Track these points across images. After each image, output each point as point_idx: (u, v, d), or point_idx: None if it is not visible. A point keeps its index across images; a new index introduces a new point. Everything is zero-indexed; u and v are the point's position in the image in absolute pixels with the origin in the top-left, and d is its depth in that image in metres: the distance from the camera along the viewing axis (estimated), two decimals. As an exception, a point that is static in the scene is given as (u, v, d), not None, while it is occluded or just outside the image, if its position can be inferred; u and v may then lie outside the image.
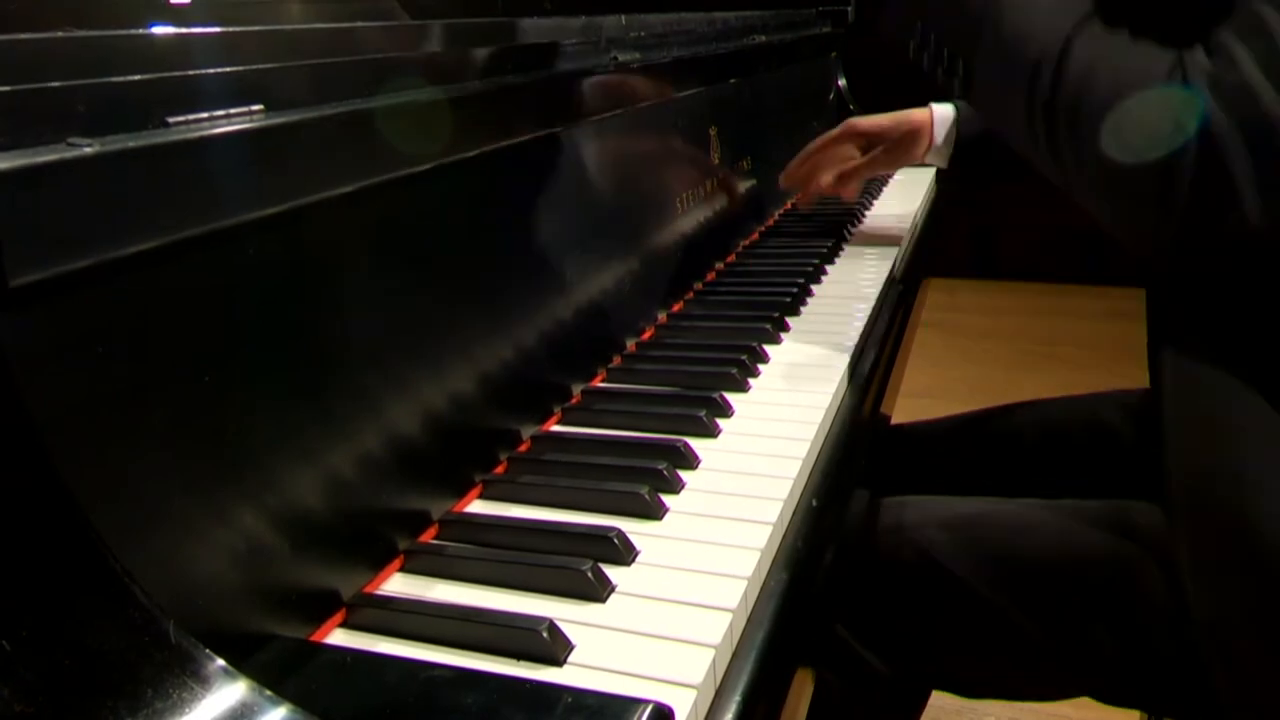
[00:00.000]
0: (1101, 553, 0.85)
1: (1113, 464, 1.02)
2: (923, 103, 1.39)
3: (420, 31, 0.76)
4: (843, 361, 0.92)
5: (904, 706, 1.07)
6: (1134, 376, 1.13)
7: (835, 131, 1.40)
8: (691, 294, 1.15)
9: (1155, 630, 0.80)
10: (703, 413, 0.80)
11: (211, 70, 0.51)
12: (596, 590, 0.57)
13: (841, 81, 1.99)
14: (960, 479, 1.07)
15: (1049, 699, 0.92)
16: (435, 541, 0.65)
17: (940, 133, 1.34)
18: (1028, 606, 0.85)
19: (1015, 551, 0.88)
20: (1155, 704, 0.92)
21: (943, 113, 1.35)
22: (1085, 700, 0.89)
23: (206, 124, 0.48)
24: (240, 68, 0.53)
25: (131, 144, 0.43)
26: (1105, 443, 1.06)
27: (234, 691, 0.41)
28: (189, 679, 0.40)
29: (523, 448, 0.77)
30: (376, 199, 0.61)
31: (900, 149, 1.36)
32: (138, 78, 0.47)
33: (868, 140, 1.39)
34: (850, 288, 1.17)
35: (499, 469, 0.74)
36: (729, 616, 0.55)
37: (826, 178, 1.40)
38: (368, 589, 0.59)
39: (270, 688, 0.41)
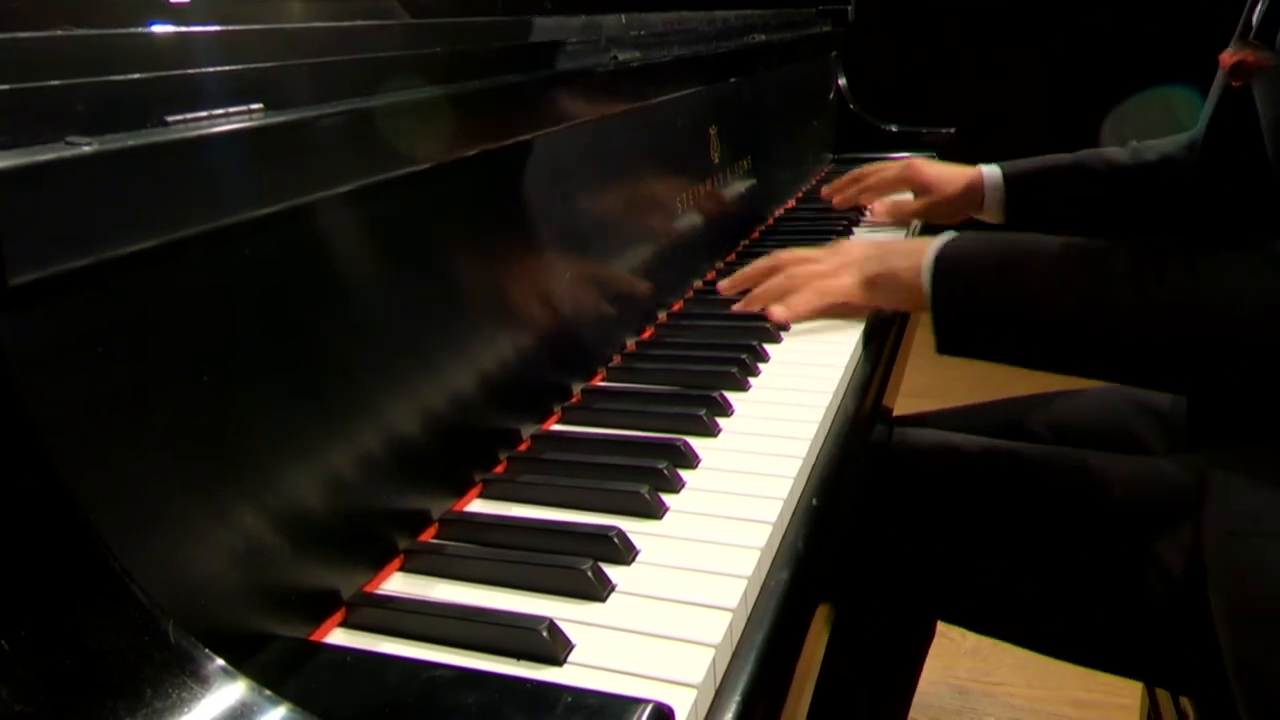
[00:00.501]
0: (1105, 504, 0.85)
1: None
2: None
3: (420, 31, 0.75)
4: (844, 360, 0.92)
5: (910, 638, 1.07)
6: (1134, 376, 1.13)
7: (896, 168, 1.45)
8: (691, 293, 1.15)
9: (1161, 594, 0.80)
10: (703, 412, 0.80)
11: (211, 69, 0.51)
12: (596, 589, 0.57)
13: (841, 81, 1.99)
14: None
15: (1048, 652, 0.91)
16: (435, 541, 0.65)
17: (991, 194, 1.37)
18: (1029, 544, 0.86)
19: (1016, 489, 0.89)
20: (1155, 672, 0.91)
21: (992, 175, 1.37)
22: (1086, 699, 0.88)
23: (205, 123, 0.48)
24: (239, 66, 0.53)
25: (130, 143, 0.43)
26: (1115, 439, 1.06)
27: (234, 691, 0.41)
28: (188, 679, 0.40)
29: (523, 447, 0.77)
30: (376, 199, 0.61)
31: (960, 203, 1.39)
32: (137, 76, 0.47)
33: (922, 185, 1.42)
34: (850, 287, 1.17)
35: (499, 468, 0.74)
36: (729, 616, 0.55)
37: (877, 207, 1.47)
38: (368, 588, 0.59)
39: (270, 688, 0.41)
